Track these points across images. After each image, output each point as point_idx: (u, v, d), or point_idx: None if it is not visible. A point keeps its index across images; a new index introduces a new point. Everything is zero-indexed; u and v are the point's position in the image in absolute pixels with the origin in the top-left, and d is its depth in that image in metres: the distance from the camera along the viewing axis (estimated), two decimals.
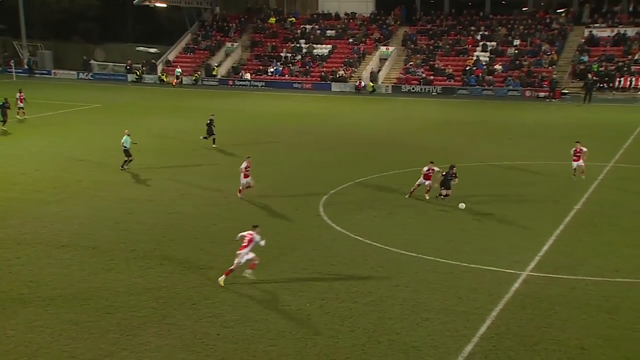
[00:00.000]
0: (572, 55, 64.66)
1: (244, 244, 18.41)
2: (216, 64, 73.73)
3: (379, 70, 68.50)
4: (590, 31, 66.23)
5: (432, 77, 65.81)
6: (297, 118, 49.57)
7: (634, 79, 59.48)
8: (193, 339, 15.27)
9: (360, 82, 66.34)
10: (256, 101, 60.20)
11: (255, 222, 19.24)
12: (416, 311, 16.78)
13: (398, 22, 74.87)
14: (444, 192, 26.34)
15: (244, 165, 27.08)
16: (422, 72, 66.65)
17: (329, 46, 73.55)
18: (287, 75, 70.89)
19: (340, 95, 64.38)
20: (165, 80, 73.40)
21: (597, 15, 68.43)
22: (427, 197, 26.73)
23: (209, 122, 37.21)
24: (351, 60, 70.14)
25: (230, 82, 71.44)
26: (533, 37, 67.48)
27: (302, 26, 77.49)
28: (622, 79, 59.90)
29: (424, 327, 15.87)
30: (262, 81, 70.48)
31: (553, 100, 58.59)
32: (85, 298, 17.46)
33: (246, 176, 27.05)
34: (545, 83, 60.66)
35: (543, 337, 15.38)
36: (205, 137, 37.05)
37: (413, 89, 65.03)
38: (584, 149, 29.22)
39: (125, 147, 31.68)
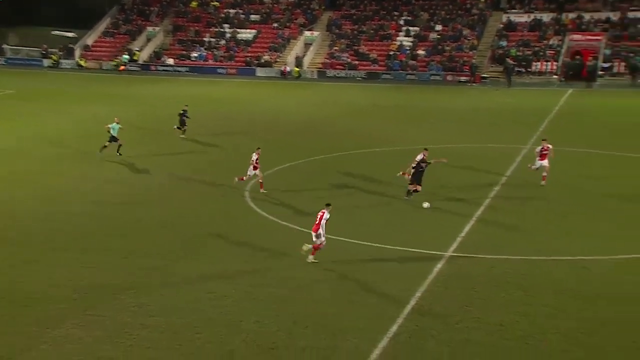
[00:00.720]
0: (492, 40, 66.33)
1: (317, 222, 18.75)
2: (137, 49, 72.06)
3: (304, 55, 68.50)
4: (508, 17, 68.09)
5: (356, 62, 66.31)
6: (222, 104, 49.08)
7: (549, 63, 61.56)
8: (117, 330, 15.02)
9: (285, 67, 66.20)
10: (180, 87, 59.21)
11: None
12: (343, 294, 17.01)
13: (322, 7, 74.99)
14: (413, 187, 24.57)
15: (254, 157, 25.65)
16: (347, 57, 67.08)
17: (254, 31, 72.98)
18: (211, 61, 70.02)
19: (265, 81, 64.09)
20: (83, 65, 71.33)
21: (514, 1, 70.37)
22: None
23: (181, 112, 36.44)
24: (276, 45, 69.86)
25: (153, 68, 70.04)
26: (454, 22, 68.86)
27: (225, 10, 76.55)
28: (538, 63, 61.90)
29: (350, 310, 16.10)
30: (186, 66, 69.38)
31: (474, 84, 60.06)
32: (2, 292, 16.89)
33: (255, 168, 25.61)
34: (466, 68, 62.08)
35: (465, 315, 15.85)
36: (179, 127, 36.35)
37: (338, 74, 65.34)
38: (551, 147, 26.91)
39: (112, 134, 31.25)
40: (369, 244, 20.35)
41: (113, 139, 31.39)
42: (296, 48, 69.41)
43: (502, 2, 70.69)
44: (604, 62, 59.95)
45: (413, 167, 24.65)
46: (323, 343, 14.53)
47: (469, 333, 15.00)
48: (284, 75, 65.68)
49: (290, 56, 68.32)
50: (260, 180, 25.80)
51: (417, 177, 24.59)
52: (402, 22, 70.45)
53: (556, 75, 60.43)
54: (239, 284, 17.48)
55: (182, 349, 14.30)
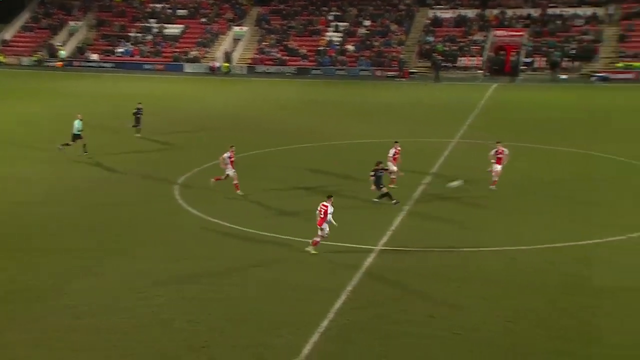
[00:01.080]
0: (419, 35, 67.43)
1: (322, 217, 18.79)
2: (59, 44, 69.93)
3: (233, 51, 67.95)
4: (434, 13, 69.38)
5: (286, 57, 66.25)
6: (150, 100, 48.02)
7: (474, 58, 63.01)
8: (42, 333, 14.59)
9: (214, 63, 65.53)
10: (105, 83, 57.93)
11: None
12: (276, 290, 17.00)
13: (251, 2, 74.53)
14: (383, 190, 23.84)
15: (227, 155, 24.71)
16: (277, 53, 66.92)
17: (181, 26, 71.90)
18: (137, 56, 68.60)
19: (194, 77, 63.18)
20: (2, 60, 68.70)
21: None
22: (393, 186, 25.27)
23: (136, 111, 35.42)
24: (204, 41, 69.06)
25: (76, 63, 68.13)
26: (382, 18, 69.64)
27: (151, 5, 75.14)
28: (464, 58, 63.29)
29: (283, 306, 16.10)
30: (111, 62, 67.77)
31: (402, 79, 60.89)
32: None
33: (232, 166, 24.63)
34: (394, 63, 62.91)
35: (396, 308, 16.04)
36: (135, 126, 35.31)
37: (268, 69, 65.14)
38: (506, 151, 25.66)
39: (75, 132, 30.13)
40: (299, 239, 20.36)
41: (76, 136, 30.25)
42: (225, 43, 68.79)
43: None
44: (526, 57, 61.85)
45: (372, 176, 23.86)
46: (255, 340, 14.48)
47: (400, 325, 15.19)
48: (213, 71, 64.99)
49: (219, 52, 67.65)
50: (222, 178, 24.94)
51: (376, 183, 23.90)
52: (331, 18, 70.77)
53: (481, 70, 61.92)
54: (169, 284, 17.23)
55: (112, 350, 14.01)
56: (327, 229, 19.12)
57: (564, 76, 58.15)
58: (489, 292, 16.89)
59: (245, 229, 21.26)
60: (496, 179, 25.65)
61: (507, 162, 25.83)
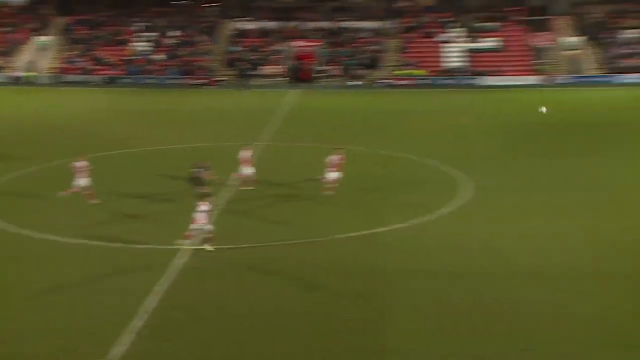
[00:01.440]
0: (225, 45, 67.68)
1: (198, 216, 18.74)
2: None
3: (37, 60, 63.66)
4: (239, 24, 69.98)
5: (94, 66, 63.38)
6: None
7: (276, 67, 64.42)
8: None
9: (17, 72, 60.96)
10: None
11: None
12: (88, 295, 16.40)
13: (56, 12, 70.28)
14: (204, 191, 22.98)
15: (80, 164, 22.69)
16: (84, 62, 63.78)
17: None
18: None
19: None
20: None
21: (244, 10, 72.36)
22: (252, 188, 25.17)
23: None
24: (6, 50, 64.00)
25: None
26: (190, 29, 68.97)
27: None
28: (267, 67, 64.51)
29: (94, 310, 15.51)
30: None
31: (209, 87, 60.75)
32: None
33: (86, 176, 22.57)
34: (201, 71, 62.65)
35: (209, 305, 15.88)
36: None
37: (75, 79, 61.87)
38: (337, 158, 24.91)
39: None
40: (111, 244, 19.68)
41: None
42: (29, 53, 64.29)
43: (233, 11, 72.18)
44: (322, 65, 64.50)
45: (191, 176, 23.76)
46: (66, 346, 13.78)
47: (214, 322, 15.07)
48: (16, 80, 60.43)
49: (22, 61, 63.08)
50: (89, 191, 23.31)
51: (196, 184, 23.75)
52: (139, 28, 68.81)
53: (283, 77, 63.49)
54: None
55: None
56: (209, 227, 19.03)
57: (355, 82, 61.37)
58: (301, 282, 17.20)
59: (56, 238, 20.18)
60: (335, 185, 25.07)
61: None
